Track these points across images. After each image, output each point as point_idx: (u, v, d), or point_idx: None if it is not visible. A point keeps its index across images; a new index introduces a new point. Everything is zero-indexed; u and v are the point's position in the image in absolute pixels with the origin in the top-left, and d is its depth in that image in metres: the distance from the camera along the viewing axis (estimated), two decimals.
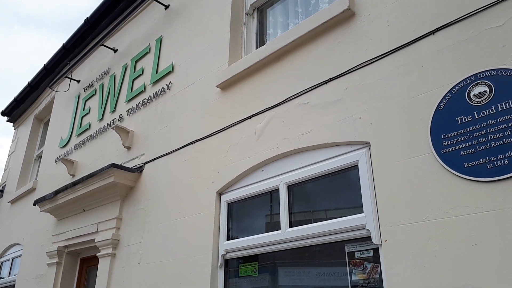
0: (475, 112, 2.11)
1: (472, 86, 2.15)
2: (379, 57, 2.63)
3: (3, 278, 7.07)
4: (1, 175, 9.29)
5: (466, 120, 2.13)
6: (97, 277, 4.34)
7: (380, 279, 2.29)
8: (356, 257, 2.46)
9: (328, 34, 3.01)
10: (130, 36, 5.66)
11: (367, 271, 2.39)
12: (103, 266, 4.31)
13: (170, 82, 4.48)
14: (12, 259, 6.87)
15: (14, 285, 6.28)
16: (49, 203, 5.36)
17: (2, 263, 7.27)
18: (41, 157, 7.47)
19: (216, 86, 3.77)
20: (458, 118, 2.16)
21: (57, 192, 5.14)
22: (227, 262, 3.23)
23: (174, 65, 4.52)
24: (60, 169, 6.15)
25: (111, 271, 4.21)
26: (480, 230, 1.94)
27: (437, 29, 2.38)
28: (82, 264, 5.26)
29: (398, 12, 2.63)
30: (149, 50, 5.09)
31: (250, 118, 3.38)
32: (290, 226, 2.85)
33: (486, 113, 2.07)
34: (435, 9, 2.44)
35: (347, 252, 2.52)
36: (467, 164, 2.05)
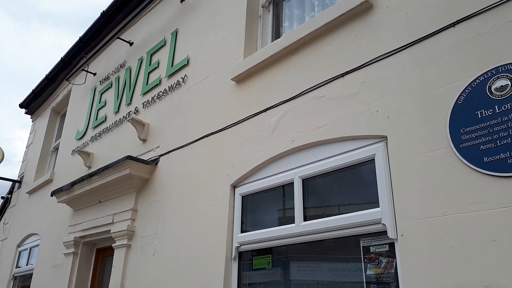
0: (496, 106, 2.06)
1: (493, 79, 2.10)
2: (397, 50, 2.59)
3: (21, 267, 7.23)
4: (19, 166, 9.47)
5: (487, 114, 2.08)
6: (112, 267, 4.40)
7: (396, 274, 2.28)
8: (371, 251, 2.45)
9: (345, 26, 2.98)
10: (145, 29, 5.69)
11: (382, 266, 2.37)
12: (118, 256, 4.38)
13: (185, 75, 4.50)
14: (30, 249, 7.02)
15: (31, 274, 6.42)
16: (66, 194, 5.46)
17: (20, 252, 7.43)
18: (58, 149, 7.58)
19: (231, 79, 3.77)
20: (478, 112, 2.12)
21: (73, 184, 5.22)
22: (241, 255, 3.24)
23: (190, 58, 4.53)
24: (76, 160, 6.25)
25: (126, 262, 4.27)
26: (499, 226, 1.90)
27: (458, 21, 2.33)
28: (98, 255, 5.35)
29: (417, 4, 2.58)
30: (165, 43, 5.11)
31: (265, 111, 3.38)
32: (305, 220, 2.84)
33: (508, 107, 2.02)
34: (455, 0, 2.39)
35: (362, 247, 2.50)
36: (487, 159, 2.02)
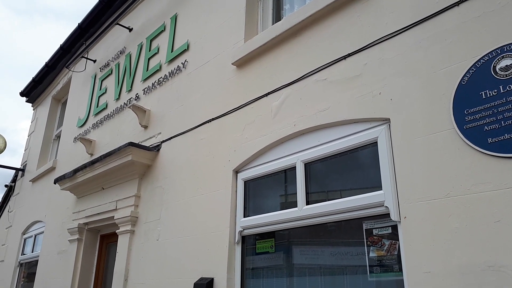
0: (501, 86, 2.04)
1: (498, 59, 2.07)
2: (400, 31, 2.55)
3: (26, 254, 7.30)
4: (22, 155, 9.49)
5: (491, 95, 2.06)
6: (116, 253, 4.44)
7: (399, 256, 2.28)
8: (374, 234, 2.45)
9: (347, 7, 2.93)
10: (145, 14, 5.63)
11: (385, 248, 2.38)
12: (122, 242, 4.41)
13: (185, 61, 4.46)
14: (35, 236, 7.07)
15: (37, 261, 6.49)
16: (69, 181, 5.47)
17: (25, 239, 7.50)
18: (59, 136, 7.58)
19: (232, 64, 3.74)
20: (483, 92, 2.09)
21: (76, 171, 5.23)
22: (244, 239, 3.25)
23: (190, 43, 4.49)
24: (78, 148, 6.25)
25: (130, 247, 4.30)
26: (503, 207, 1.89)
27: (462, 1, 2.29)
28: (102, 241, 5.39)
29: None
30: (164, 28, 5.06)
31: (267, 95, 3.35)
32: (307, 203, 2.84)
33: None
34: None
35: (365, 229, 2.51)
36: (491, 140, 2.00)
